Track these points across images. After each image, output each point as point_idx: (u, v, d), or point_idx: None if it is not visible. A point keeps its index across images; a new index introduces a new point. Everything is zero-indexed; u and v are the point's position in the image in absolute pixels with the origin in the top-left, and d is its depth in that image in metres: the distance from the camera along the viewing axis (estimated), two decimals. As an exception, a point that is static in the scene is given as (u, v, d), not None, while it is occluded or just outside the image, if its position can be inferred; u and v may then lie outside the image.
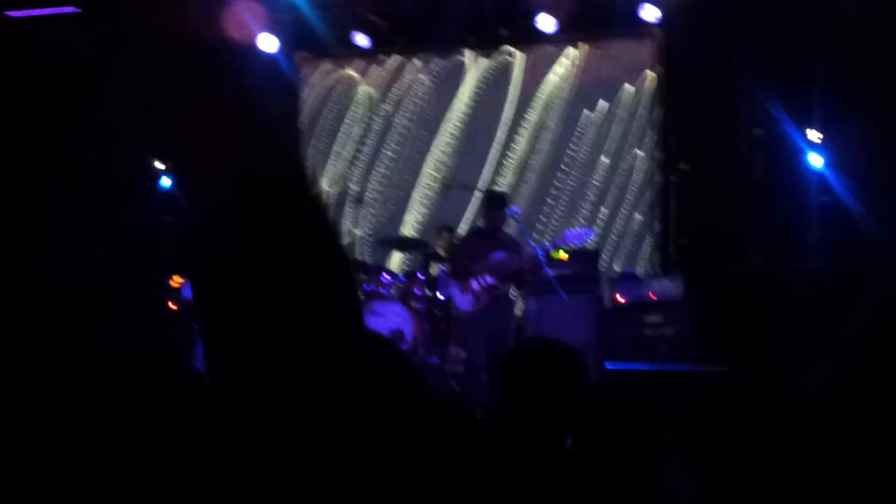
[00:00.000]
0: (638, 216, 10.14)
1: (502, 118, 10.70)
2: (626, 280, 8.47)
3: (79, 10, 10.23)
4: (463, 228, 10.16)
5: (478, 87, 10.79)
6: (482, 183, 10.32)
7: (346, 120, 11.19)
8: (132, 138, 9.97)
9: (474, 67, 10.83)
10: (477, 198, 9.89)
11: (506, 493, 2.33)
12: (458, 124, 10.81)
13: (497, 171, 10.62)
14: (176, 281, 8.83)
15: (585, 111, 10.46)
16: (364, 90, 11.15)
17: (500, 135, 10.66)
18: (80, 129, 10.09)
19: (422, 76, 10.98)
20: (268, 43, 10.45)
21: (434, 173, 10.79)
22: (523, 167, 10.56)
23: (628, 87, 10.34)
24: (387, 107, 11.08)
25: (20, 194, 9.75)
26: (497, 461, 2.43)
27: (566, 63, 10.58)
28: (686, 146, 9.75)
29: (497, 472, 2.37)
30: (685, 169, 9.69)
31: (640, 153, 10.24)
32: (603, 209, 10.26)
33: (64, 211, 9.75)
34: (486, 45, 10.73)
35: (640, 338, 7.89)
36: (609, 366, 7.30)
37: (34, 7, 10.41)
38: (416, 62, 11.00)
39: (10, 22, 10.41)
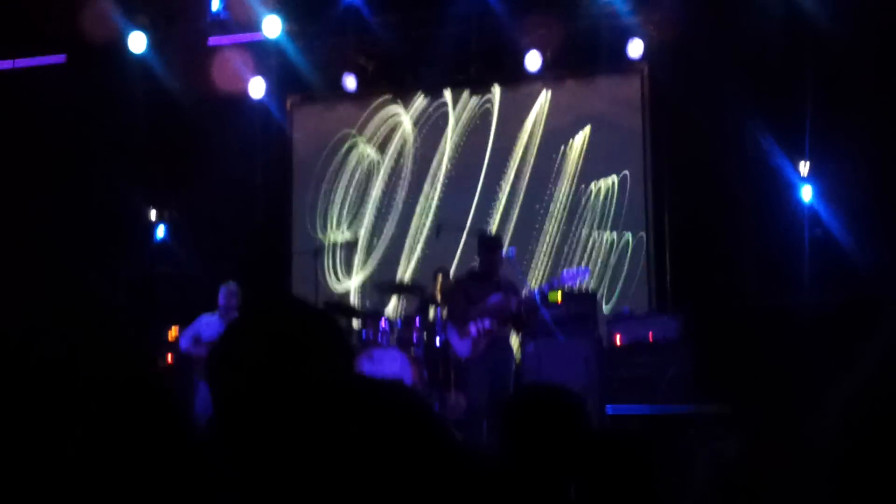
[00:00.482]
0: (633, 255, 10.18)
1: (489, 158, 10.74)
2: (624, 320, 8.47)
3: (63, 61, 10.26)
4: (457, 271, 10.19)
5: (466, 127, 10.83)
6: (475, 224, 10.33)
7: (336, 164, 11.18)
8: (126, 189, 10.02)
9: (462, 107, 10.87)
10: (470, 240, 9.91)
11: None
12: (449, 165, 10.84)
13: (489, 211, 10.64)
14: (173, 332, 8.80)
15: (573, 148, 10.50)
16: (354, 133, 11.16)
17: (490, 175, 10.70)
18: (73, 177, 10.09)
19: (411, 117, 11.01)
20: (257, 88, 10.49)
21: (428, 216, 10.80)
22: (514, 207, 10.59)
23: (616, 123, 10.39)
24: (376, 150, 11.09)
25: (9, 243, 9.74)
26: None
27: (552, 100, 10.63)
28: (676, 181, 9.82)
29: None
30: (678, 205, 9.76)
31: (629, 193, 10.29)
32: (596, 250, 10.30)
33: (55, 262, 9.73)
34: (474, 85, 10.78)
35: (640, 378, 7.89)
36: (610, 409, 7.32)
37: (20, 57, 10.43)
38: (405, 103, 11.03)
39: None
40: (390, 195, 11.00)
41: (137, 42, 9.93)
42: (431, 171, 10.89)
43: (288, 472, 1.44)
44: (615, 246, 10.24)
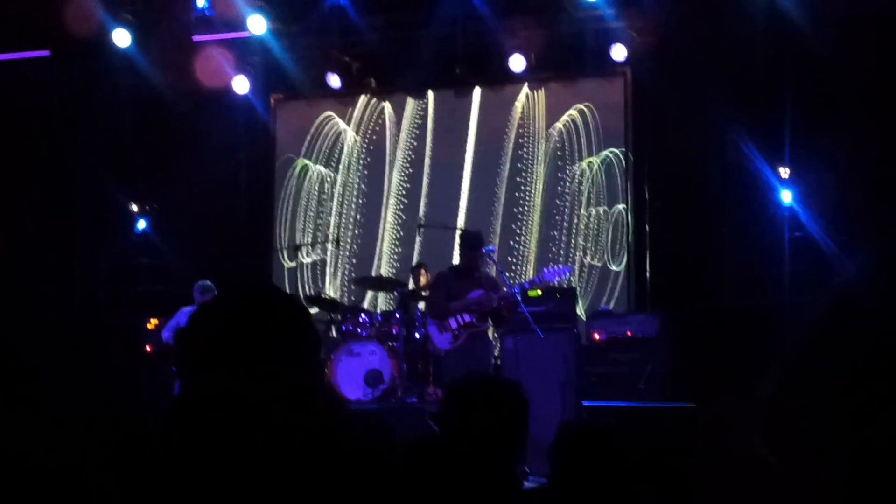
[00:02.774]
0: (613, 253, 10.21)
1: (471, 157, 10.77)
2: (603, 317, 8.51)
3: (48, 54, 10.24)
4: (438, 267, 10.20)
5: (448, 127, 10.86)
6: (456, 222, 10.35)
7: (321, 161, 11.19)
8: (108, 182, 10.01)
9: (445, 107, 10.91)
10: (451, 236, 9.93)
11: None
12: (430, 163, 10.87)
13: (470, 209, 10.67)
14: (152, 323, 8.79)
15: (554, 148, 10.56)
16: (336, 130, 11.17)
17: (471, 174, 10.74)
18: (55, 170, 10.07)
19: (393, 116, 11.04)
20: (241, 85, 10.51)
21: (407, 213, 10.81)
22: (495, 206, 10.62)
23: (599, 125, 10.44)
24: (359, 147, 11.11)
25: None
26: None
27: (533, 101, 10.68)
28: (657, 183, 9.88)
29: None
30: (658, 206, 9.81)
31: (608, 191, 10.32)
32: (578, 247, 10.33)
33: (38, 254, 9.70)
34: (458, 86, 10.82)
35: (616, 375, 7.93)
36: (586, 403, 7.32)
37: (4, 51, 10.42)
38: (388, 102, 11.05)
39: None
40: (370, 192, 11.00)
41: (122, 38, 9.91)
42: (413, 169, 10.90)
43: (231, 465, 1.43)
44: (595, 246, 10.28)
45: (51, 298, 9.47)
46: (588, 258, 10.26)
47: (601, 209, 10.30)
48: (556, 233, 10.40)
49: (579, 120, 10.48)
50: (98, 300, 9.52)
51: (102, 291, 9.57)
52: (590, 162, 10.40)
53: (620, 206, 10.22)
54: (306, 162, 11.17)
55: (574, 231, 10.36)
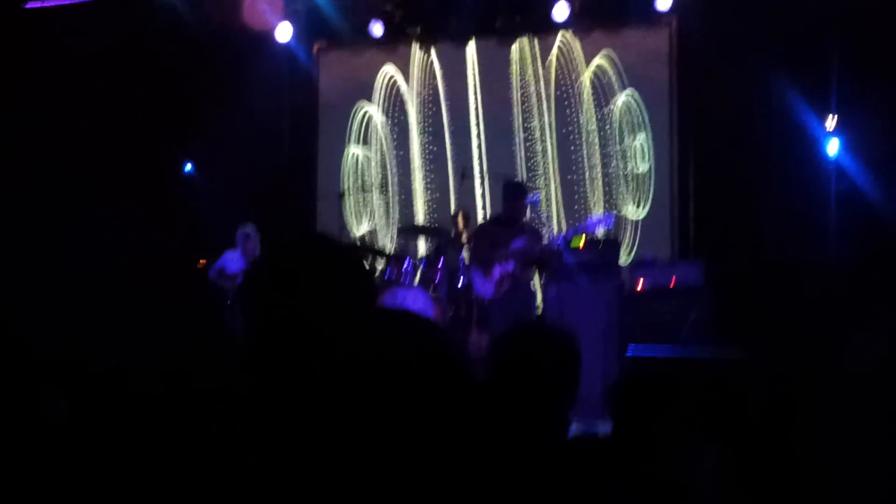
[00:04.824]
0: (657, 202, 10.16)
1: (515, 106, 10.72)
2: (647, 266, 8.49)
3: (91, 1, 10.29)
4: (481, 216, 10.24)
5: (492, 75, 10.80)
6: (501, 170, 10.32)
7: (363, 109, 11.19)
8: (153, 126, 10.08)
9: (488, 55, 10.84)
10: (495, 186, 9.94)
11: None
12: (473, 112, 10.83)
13: (515, 158, 10.64)
14: (201, 263, 8.99)
15: (601, 99, 10.49)
16: (381, 78, 11.15)
17: (515, 122, 10.69)
18: (100, 115, 10.15)
19: (436, 64, 10.99)
20: (284, 32, 10.51)
21: (452, 161, 10.81)
22: (538, 155, 10.59)
23: (644, 75, 10.35)
24: (402, 95, 11.09)
25: (44, 182, 9.83)
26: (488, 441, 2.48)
27: (580, 52, 10.60)
28: (703, 133, 9.79)
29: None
30: (703, 159, 9.73)
31: (653, 142, 10.25)
32: (620, 195, 10.29)
33: (88, 198, 9.82)
34: (501, 34, 10.74)
35: (661, 323, 7.91)
36: (631, 350, 7.34)
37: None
38: (432, 50, 11.00)
39: (27, 12, 10.46)
40: (414, 141, 11.00)
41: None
42: (456, 118, 10.88)
43: (312, 403, 1.48)
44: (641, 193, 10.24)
45: (98, 243, 9.59)
46: (632, 207, 10.22)
47: (643, 159, 10.24)
48: (595, 181, 10.36)
49: (622, 69, 10.38)
50: (144, 242, 9.64)
51: (148, 233, 9.68)
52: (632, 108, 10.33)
53: (664, 157, 10.16)
54: (360, 107, 11.16)
55: (616, 181, 10.31)
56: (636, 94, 10.29)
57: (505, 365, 2.86)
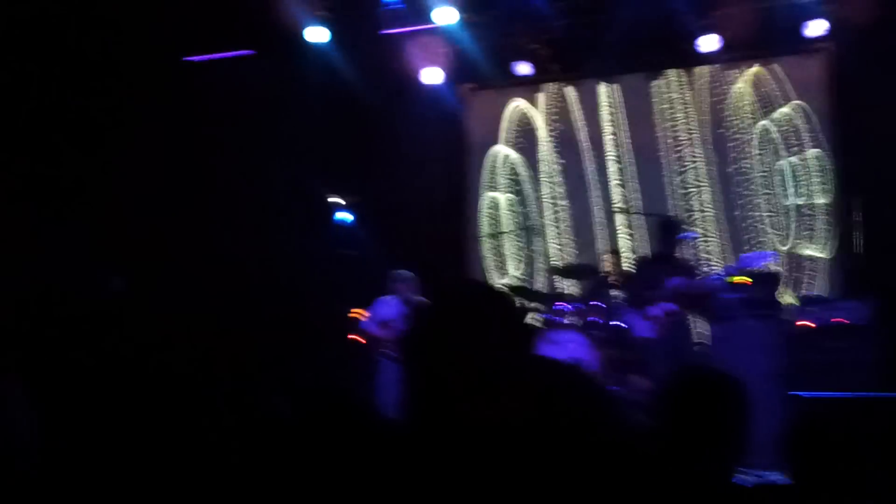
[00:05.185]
0: (822, 237, 9.85)
1: (665, 141, 10.59)
2: (812, 303, 8.22)
3: (253, 53, 10.64)
4: (632, 254, 10.11)
5: (640, 111, 10.69)
6: (651, 207, 10.19)
7: (513, 150, 11.23)
8: (308, 174, 10.35)
9: (636, 91, 10.75)
10: (648, 223, 9.81)
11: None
12: (622, 148, 10.74)
13: (666, 195, 10.50)
14: (356, 312, 9.06)
15: (755, 131, 10.26)
16: (526, 118, 11.17)
17: (666, 158, 10.55)
18: (261, 164, 10.47)
19: (583, 102, 10.95)
20: (432, 76, 10.66)
21: (602, 200, 10.73)
22: (693, 189, 10.41)
23: (800, 106, 10.08)
24: (550, 134, 11.08)
25: (204, 228, 10.19)
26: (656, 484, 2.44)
27: (729, 83, 10.42)
28: (865, 165, 9.43)
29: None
30: (866, 193, 9.37)
31: (816, 173, 9.95)
32: (783, 231, 10.01)
33: (240, 247, 10.12)
34: (648, 69, 10.65)
35: (828, 363, 7.62)
36: (797, 394, 7.10)
37: (210, 52, 10.88)
38: (578, 88, 10.97)
39: (188, 66, 10.90)
40: (559, 180, 10.96)
41: (318, 34, 10.21)
42: (601, 155, 10.80)
43: (480, 449, 1.52)
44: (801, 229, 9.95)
45: (254, 291, 9.88)
46: (792, 245, 9.93)
47: (806, 194, 9.95)
48: (755, 219, 10.11)
49: (775, 98, 10.14)
50: (300, 290, 9.85)
51: (304, 281, 9.89)
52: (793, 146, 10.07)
53: (824, 194, 9.85)
54: (499, 150, 11.21)
55: (778, 217, 10.04)
56: (793, 122, 10.04)
57: (672, 411, 2.80)
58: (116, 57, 10.06)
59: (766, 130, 10.23)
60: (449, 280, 8.60)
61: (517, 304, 1.99)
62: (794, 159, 10.08)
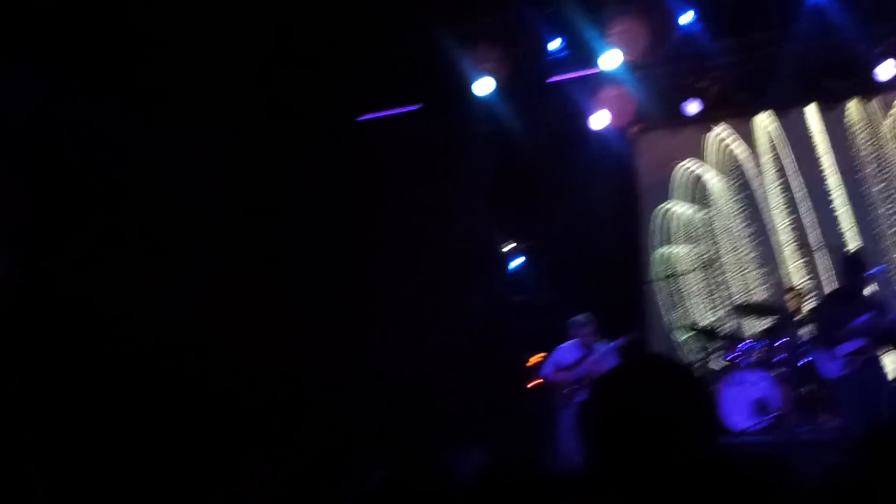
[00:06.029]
0: None
1: (847, 173, 10.29)
2: None
3: (419, 106, 10.92)
4: (818, 291, 9.84)
5: (817, 143, 10.44)
6: (836, 241, 9.90)
7: (686, 190, 11.18)
8: (481, 222, 10.53)
9: (812, 123, 10.51)
10: (831, 258, 9.56)
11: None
12: (802, 182, 10.50)
13: (852, 227, 10.21)
14: (533, 360, 9.14)
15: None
16: (698, 155, 11.08)
17: (852, 190, 10.27)
18: (430, 215, 10.69)
19: (757, 136, 10.77)
20: (600, 120, 10.71)
21: (780, 235, 10.51)
22: (885, 222, 10.07)
23: None
24: (723, 170, 10.94)
25: (378, 283, 10.46)
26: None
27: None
28: None
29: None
30: None
31: None
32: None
33: (418, 297, 10.34)
34: (824, 100, 10.41)
35: None
36: None
37: (379, 109, 11.23)
38: (749, 124, 10.81)
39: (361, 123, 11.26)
40: (737, 216, 10.80)
41: (484, 86, 10.43)
42: (784, 189, 10.59)
43: None
44: None
45: (433, 340, 10.05)
46: None
47: None
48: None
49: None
50: (479, 339, 9.97)
51: (483, 330, 10.00)
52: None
53: None
54: (673, 190, 11.18)
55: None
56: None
57: (871, 457, 2.72)
58: (296, 116, 10.45)
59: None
60: (630, 355, 8.49)
61: (701, 381, 2.02)
62: None
